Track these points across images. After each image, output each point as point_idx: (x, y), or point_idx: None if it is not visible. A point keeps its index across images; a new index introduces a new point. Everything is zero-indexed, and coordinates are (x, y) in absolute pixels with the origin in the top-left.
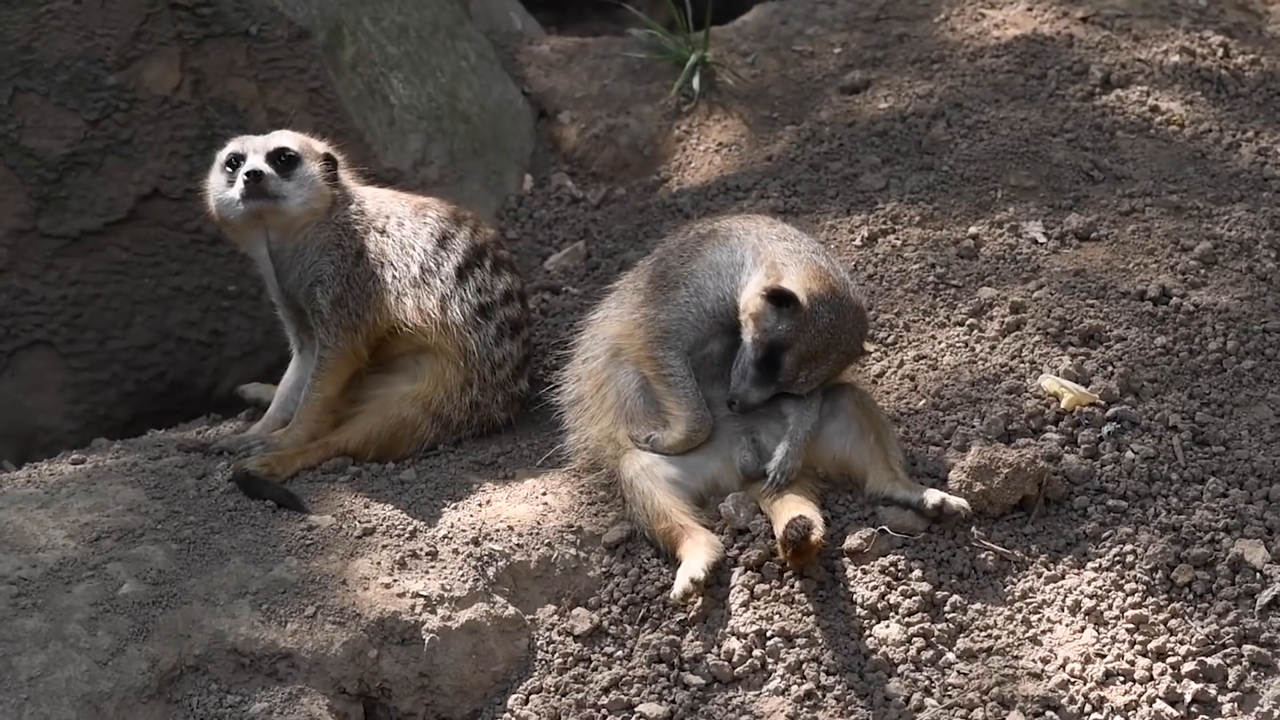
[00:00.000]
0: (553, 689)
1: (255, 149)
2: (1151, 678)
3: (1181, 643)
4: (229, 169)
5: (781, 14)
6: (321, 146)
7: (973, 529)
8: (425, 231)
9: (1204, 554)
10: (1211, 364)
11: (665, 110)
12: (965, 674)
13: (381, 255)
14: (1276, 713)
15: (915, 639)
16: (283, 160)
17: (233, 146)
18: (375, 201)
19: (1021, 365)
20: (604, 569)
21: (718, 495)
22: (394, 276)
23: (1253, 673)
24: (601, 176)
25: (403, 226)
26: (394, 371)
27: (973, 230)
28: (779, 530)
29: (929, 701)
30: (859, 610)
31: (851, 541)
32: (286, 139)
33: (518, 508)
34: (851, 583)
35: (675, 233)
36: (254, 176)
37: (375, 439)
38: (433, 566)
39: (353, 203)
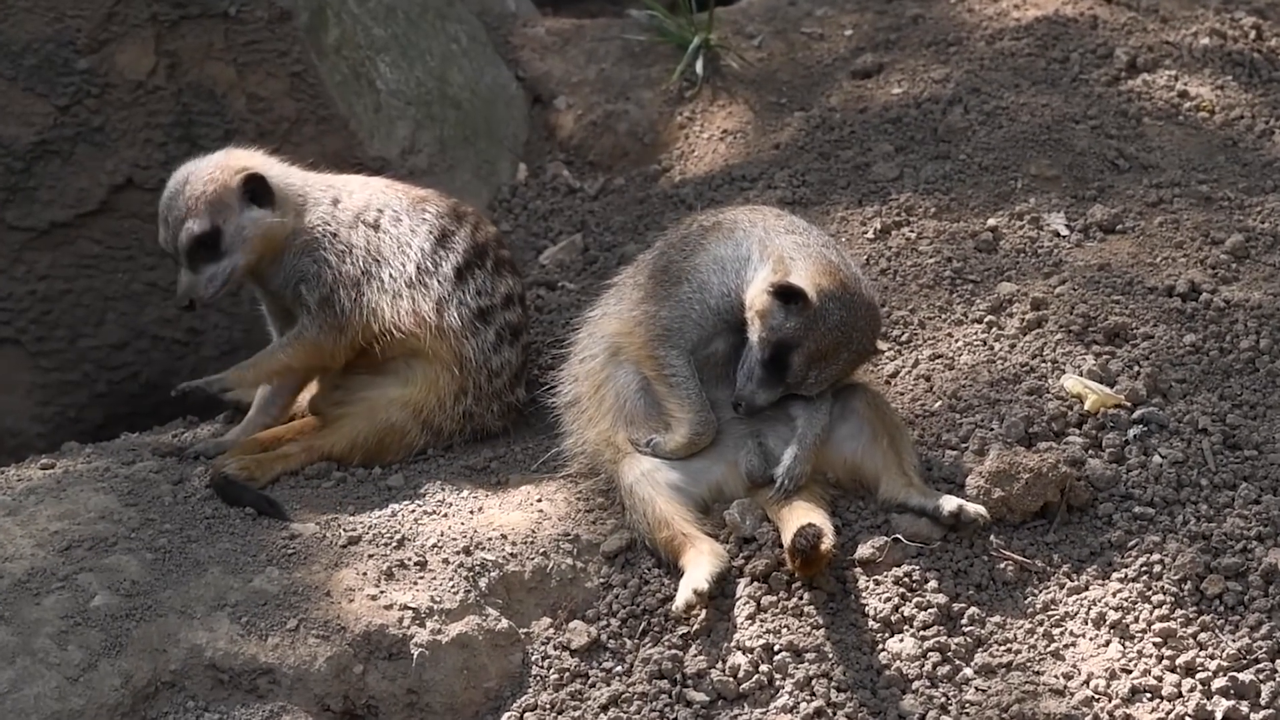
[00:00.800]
0: (548, 706)
1: (178, 245)
2: (1180, 694)
3: (1212, 657)
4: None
5: None
6: (236, 173)
7: (991, 537)
8: (424, 229)
9: (1235, 564)
10: (1243, 363)
11: (667, 96)
12: (984, 690)
13: (377, 252)
14: None
15: (931, 653)
16: (206, 246)
17: (161, 231)
18: (365, 193)
19: (1043, 365)
20: (602, 580)
21: (722, 502)
22: (390, 275)
23: None
24: (599, 165)
25: (399, 222)
26: (384, 373)
27: (991, 222)
28: (787, 539)
29: None
30: (871, 623)
31: (863, 551)
32: (195, 223)
33: (511, 515)
34: (863, 594)
35: (677, 225)
36: (187, 310)
37: (362, 444)
38: (421, 577)
39: (324, 203)
